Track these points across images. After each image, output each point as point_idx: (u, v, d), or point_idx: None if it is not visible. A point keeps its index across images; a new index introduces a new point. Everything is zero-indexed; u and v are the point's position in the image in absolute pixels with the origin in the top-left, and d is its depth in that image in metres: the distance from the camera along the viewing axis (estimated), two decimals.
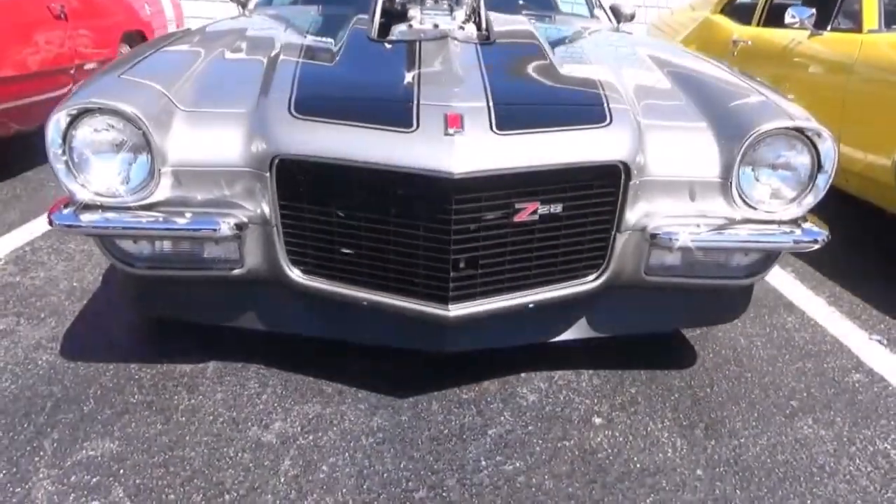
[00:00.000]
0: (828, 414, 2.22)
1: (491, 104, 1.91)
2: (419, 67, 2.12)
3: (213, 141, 1.93)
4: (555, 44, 2.52)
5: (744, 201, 1.99)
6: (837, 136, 3.61)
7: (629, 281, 2.08)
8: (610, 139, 1.91)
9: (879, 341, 2.72)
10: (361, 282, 1.98)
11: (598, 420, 2.12)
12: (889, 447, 2.07)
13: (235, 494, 1.77)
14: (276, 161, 1.86)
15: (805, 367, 2.49)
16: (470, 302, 1.95)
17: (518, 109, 1.93)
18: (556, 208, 1.90)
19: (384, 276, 1.95)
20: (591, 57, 2.45)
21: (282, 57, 2.27)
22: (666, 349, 2.52)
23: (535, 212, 1.88)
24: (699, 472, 1.92)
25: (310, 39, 2.50)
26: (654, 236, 1.98)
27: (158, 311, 2.25)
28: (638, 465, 1.94)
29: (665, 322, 2.30)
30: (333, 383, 2.24)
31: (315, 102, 1.94)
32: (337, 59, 2.28)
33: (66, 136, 1.86)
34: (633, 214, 1.98)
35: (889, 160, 3.09)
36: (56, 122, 1.83)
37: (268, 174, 1.88)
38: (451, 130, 1.78)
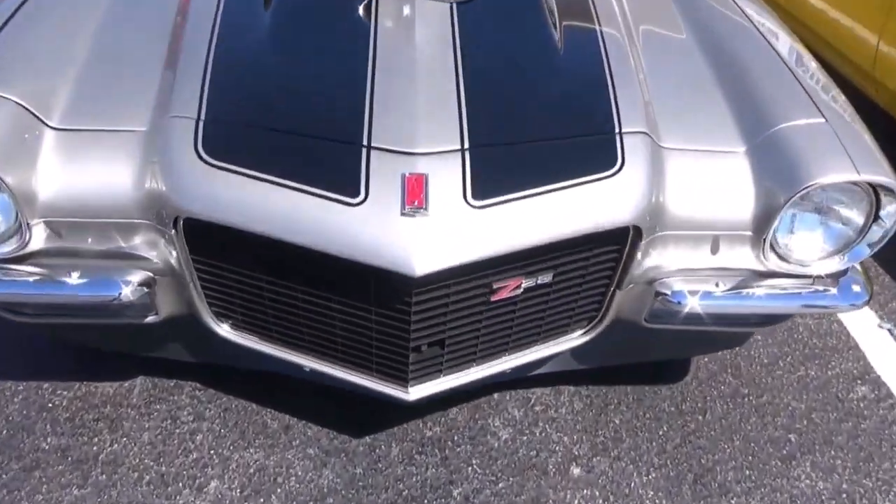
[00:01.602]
0: (828, 454, 2.01)
1: (466, 146, 1.42)
2: (373, 64, 1.56)
3: (95, 178, 1.45)
4: None
5: (776, 253, 1.60)
6: (877, 38, 3.08)
7: (625, 324, 1.75)
8: (621, 194, 1.46)
9: (890, 330, 2.46)
10: (303, 347, 1.62)
11: (576, 471, 1.90)
12: None
13: None
14: (182, 221, 1.42)
15: (808, 376, 2.24)
16: (434, 380, 1.62)
17: (501, 154, 1.44)
18: (545, 278, 1.51)
19: (331, 346, 1.59)
20: (603, 16, 1.86)
21: (191, 23, 1.70)
22: None
23: (518, 287, 1.49)
24: None
25: None
26: (659, 294, 1.61)
27: (66, 340, 1.89)
28: None
29: (656, 354, 2.00)
30: (279, 413, 1.97)
31: (230, 139, 1.44)
32: (265, 30, 1.69)
33: None
34: (639, 269, 1.59)
35: None
36: None
37: (173, 231, 1.44)
38: (409, 209, 1.32)
